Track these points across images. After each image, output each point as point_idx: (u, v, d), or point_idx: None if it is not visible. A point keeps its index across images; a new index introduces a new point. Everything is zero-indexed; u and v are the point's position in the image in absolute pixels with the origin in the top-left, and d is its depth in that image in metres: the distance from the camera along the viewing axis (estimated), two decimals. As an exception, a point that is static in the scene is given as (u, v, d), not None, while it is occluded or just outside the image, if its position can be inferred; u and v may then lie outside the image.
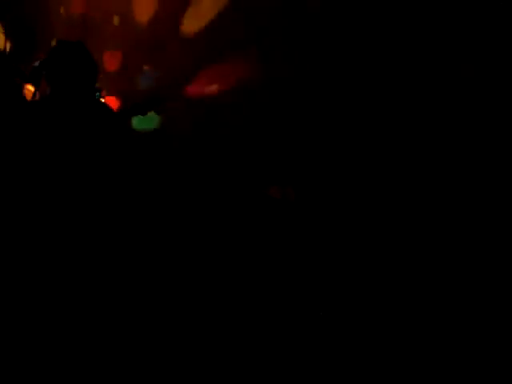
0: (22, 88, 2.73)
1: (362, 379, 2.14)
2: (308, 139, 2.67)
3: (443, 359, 2.15)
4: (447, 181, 2.28)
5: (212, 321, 2.39)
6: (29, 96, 2.67)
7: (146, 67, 3.33)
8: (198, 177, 3.01)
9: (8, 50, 3.14)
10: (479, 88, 2.19)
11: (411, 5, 2.31)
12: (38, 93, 2.54)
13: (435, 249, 2.32)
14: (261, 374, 2.13)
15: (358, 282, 2.47)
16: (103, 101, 2.67)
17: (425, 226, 2.35)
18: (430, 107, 2.30)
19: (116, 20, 3.38)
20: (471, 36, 2.18)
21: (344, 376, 2.15)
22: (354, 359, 2.20)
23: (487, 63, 2.16)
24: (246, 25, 2.84)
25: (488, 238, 2.21)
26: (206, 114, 3.03)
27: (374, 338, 2.28)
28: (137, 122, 3.02)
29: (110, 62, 3.42)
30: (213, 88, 3.00)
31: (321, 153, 2.62)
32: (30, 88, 2.70)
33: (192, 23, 3.09)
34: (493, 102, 2.17)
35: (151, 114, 2.74)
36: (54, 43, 2.18)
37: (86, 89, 2.14)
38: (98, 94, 2.49)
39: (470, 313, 2.19)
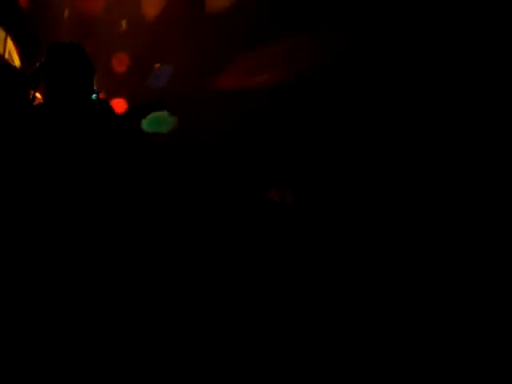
0: (21, 91, 2.76)
1: (362, 379, 2.12)
2: (307, 142, 2.66)
3: (443, 359, 2.13)
4: (444, 188, 2.27)
5: (211, 322, 2.39)
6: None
7: (156, 66, 3.31)
8: (197, 178, 3.02)
9: (8, 53, 3.20)
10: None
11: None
12: (36, 95, 2.57)
13: (434, 252, 2.31)
14: (261, 374, 2.12)
15: (357, 285, 2.46)
16: (104, 100, 2.68)
17: (424, 228, 2.34)
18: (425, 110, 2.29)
19: (123, 21, 3.40)
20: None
21: (344, 376, 2.12)
22: (353, 359, 2.18)
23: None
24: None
25: (488, 237, 2.20)
26: (205, 117, 3.04)
27: (373, 339, 2.26)
28: (147, 125, 2.99)
29: (118, 63, 3.43)
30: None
31: (319, 156, 2.62)
32: (38, 95, 2.72)
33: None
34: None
35: (163, 114, 2.70)
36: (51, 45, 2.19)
37: (83, 90, 2.16)
38: (95, 94, 2.50)
39: (470, 312, 2.17)
